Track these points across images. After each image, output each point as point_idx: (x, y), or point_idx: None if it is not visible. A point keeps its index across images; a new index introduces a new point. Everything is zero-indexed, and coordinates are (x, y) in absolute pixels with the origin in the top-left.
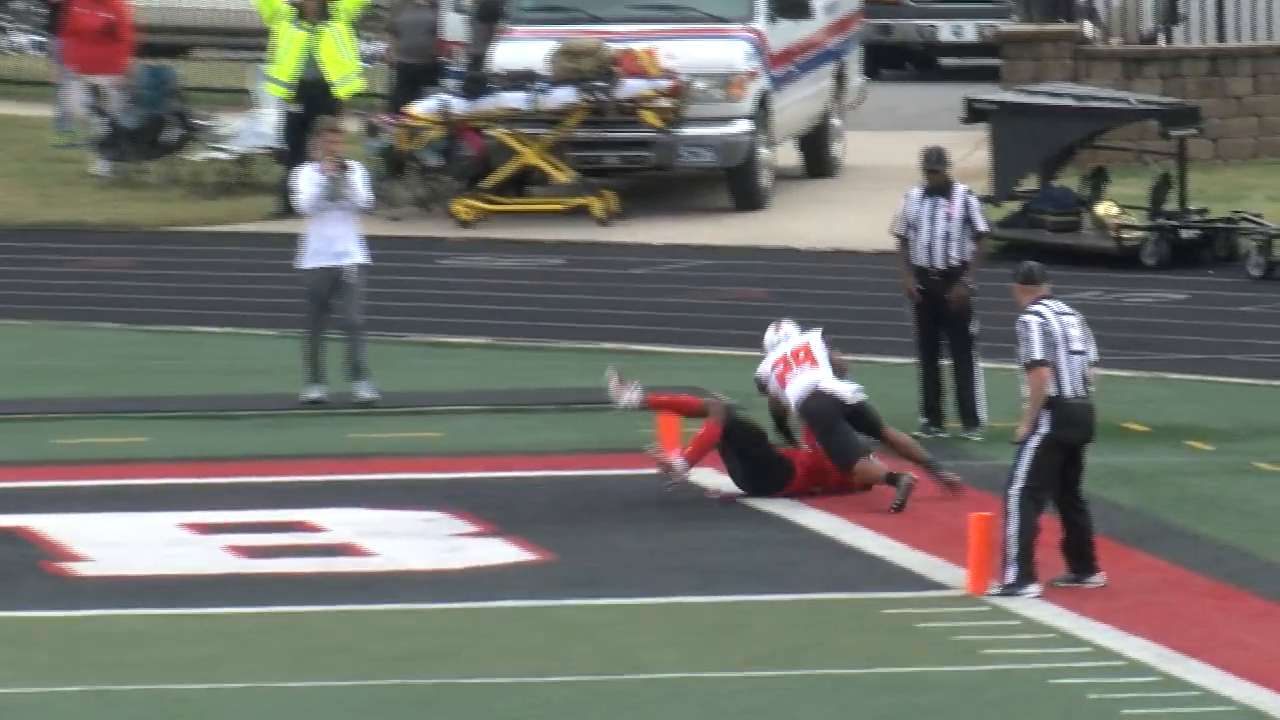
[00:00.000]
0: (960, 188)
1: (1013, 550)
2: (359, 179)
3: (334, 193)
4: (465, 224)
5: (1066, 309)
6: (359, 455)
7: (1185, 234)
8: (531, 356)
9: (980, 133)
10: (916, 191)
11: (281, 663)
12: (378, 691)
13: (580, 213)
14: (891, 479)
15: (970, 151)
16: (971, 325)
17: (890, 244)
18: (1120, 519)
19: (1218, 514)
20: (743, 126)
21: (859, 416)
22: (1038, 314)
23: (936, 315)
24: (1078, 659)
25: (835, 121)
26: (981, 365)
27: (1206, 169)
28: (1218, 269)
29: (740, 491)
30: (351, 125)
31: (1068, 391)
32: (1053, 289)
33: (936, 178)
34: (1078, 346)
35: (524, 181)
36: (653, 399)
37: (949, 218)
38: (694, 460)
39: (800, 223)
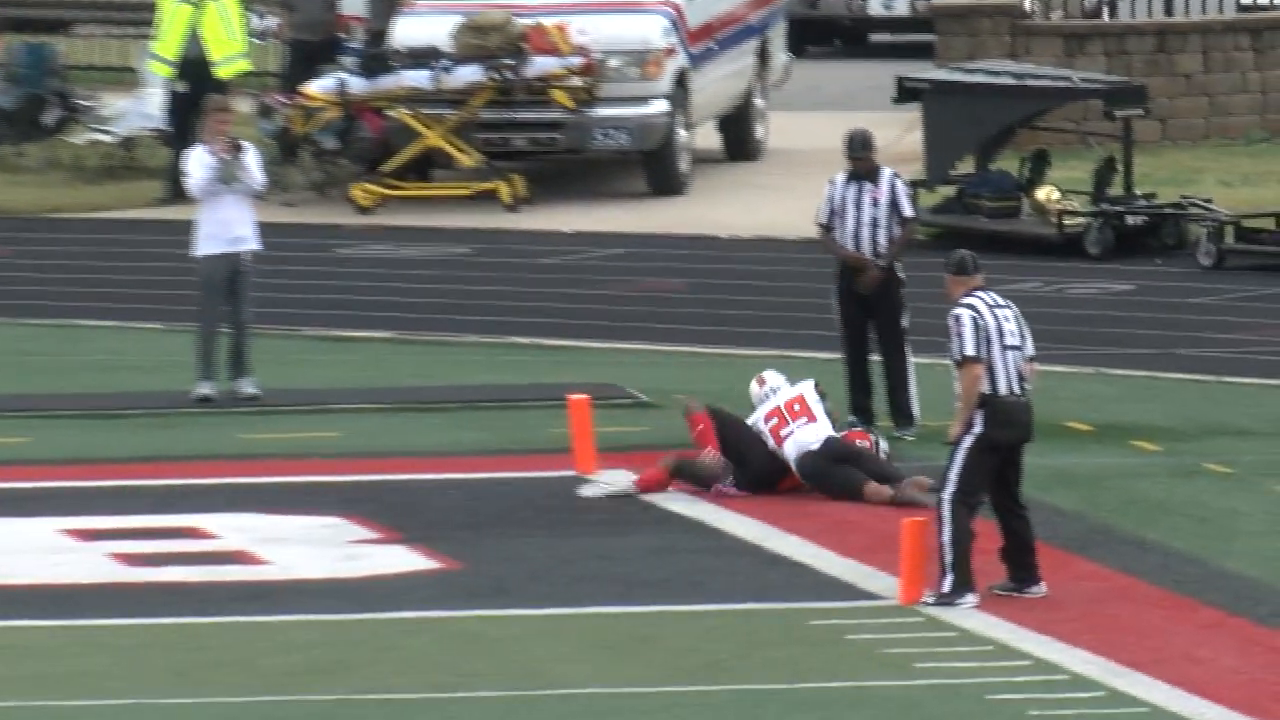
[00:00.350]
0: (887, 172)
1: (948, 558)
2: (253, 160)
3: (227, 175)
4: (364, 210)
5: (1002, 301)
6: (252, 456)
7: (1131, 220)
8: (435, 351)
9: (913, 113)
10: (841, 177)
11: (169, 678)
12: (271, 709)
13: (487, 198)
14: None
15: (902, 134)
16: (902, 318)
17: (814, 232)
18: (1062, 524)
19: (1166, 518)
20: (659, 107)
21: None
22: (971, 307)
23: (865, 308)
24: (1018, 673)
25: (758, 102)
26: (913, 360)
27: (1154, 151)
28: (1166, 258)
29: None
30: (243, 106)
31: (1002, 389)
32: (988, 279)
33: (862, 163)
34: (1013, 341)
35: (427, 165)
36: (641, 485)
37: (876, 204)
38: (643, 489)
39: (721, 209)
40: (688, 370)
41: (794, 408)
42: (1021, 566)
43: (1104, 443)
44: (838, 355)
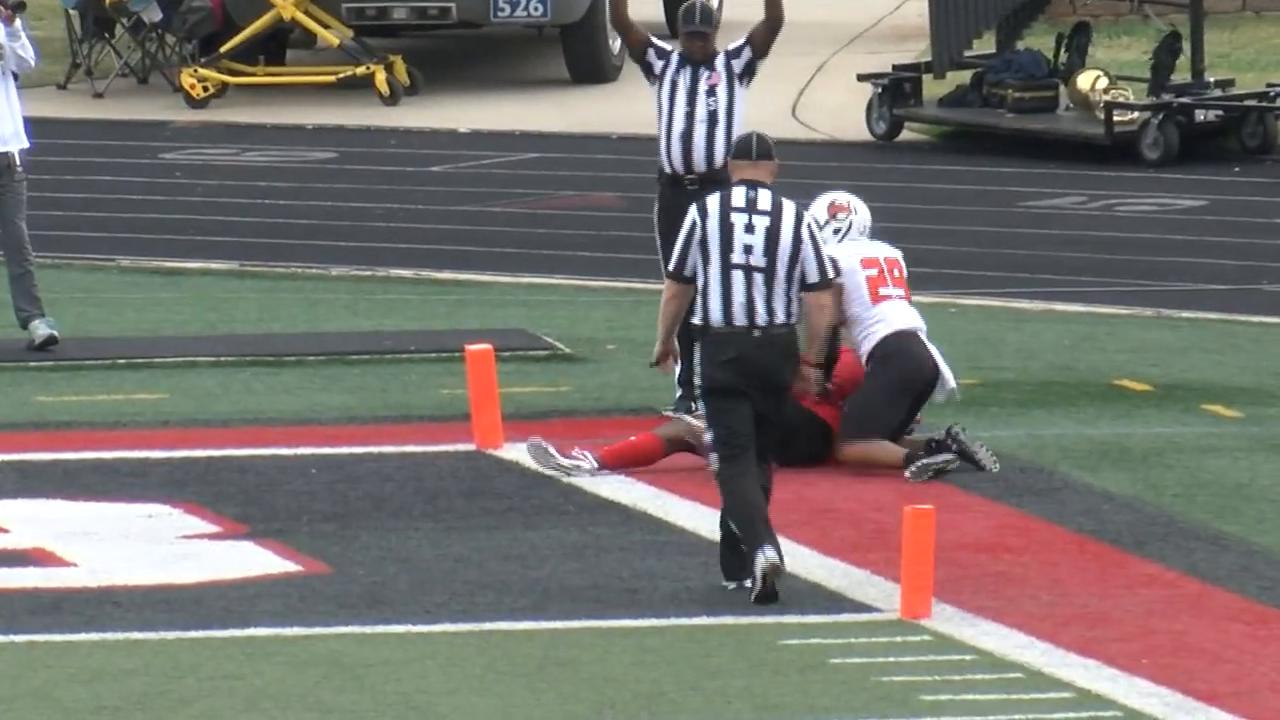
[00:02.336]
0: (722, 54)
1: (733, 529)
2: (20, 31)
3: None
4: (196, 103)
5: (766, 205)
6: (50, 426)
7: (1200, 116)
8: (289, 288)
9: None
10: (673, 63)
11: None
12: None
13: (358, 87)
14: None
15: (901, 2)
16: None
17: (792, 129)
18: (1113, 513)
19: (1248, 506)
20: None
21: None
22: (701, 209)
23: None
24: (1055, 708)
25: None
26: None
27: (1231, 25)
28: (1245, 164)
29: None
30: None
31: (717, 318)
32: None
33: (702, 47)
34: (744, 259)
35: (279, 45)
36: (608, 457)
37: (713, 92)
38: (610, 465)
39: None
40: (622, 312)
41: (894, 272)
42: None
43: (1167, 407)
44: None
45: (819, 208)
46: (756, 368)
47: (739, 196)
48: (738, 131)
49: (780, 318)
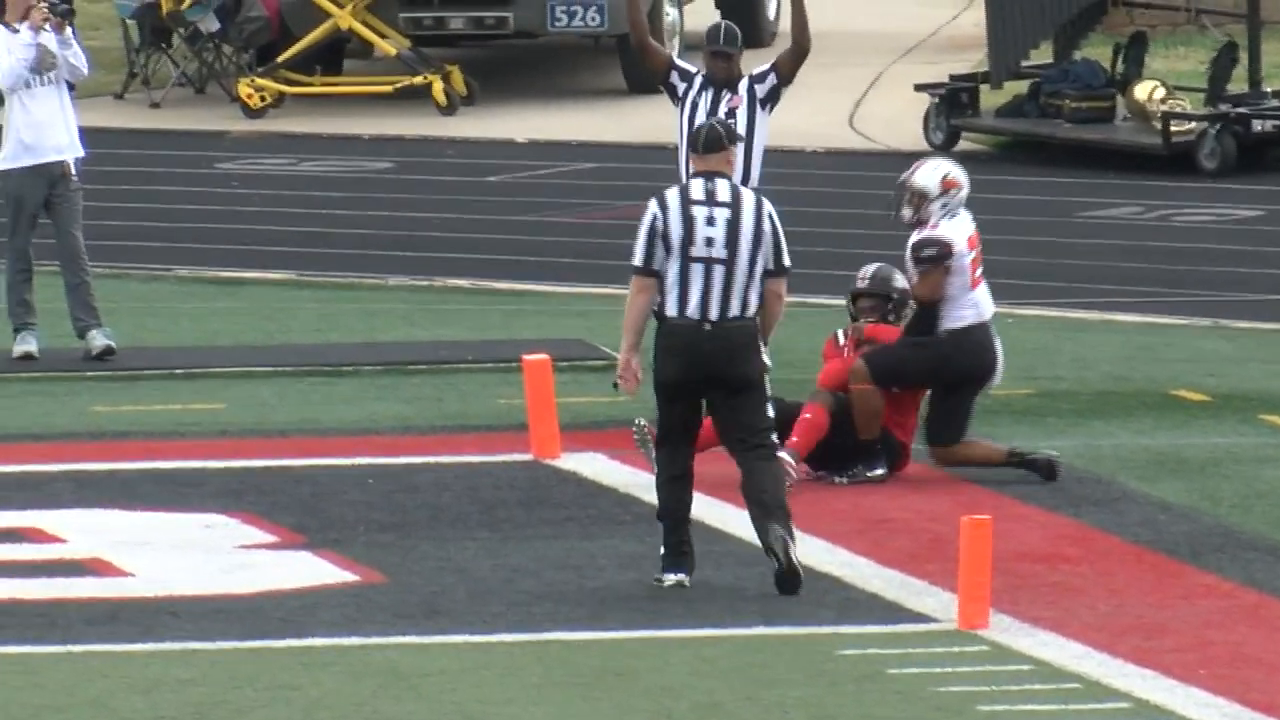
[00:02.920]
0: (746, 78)
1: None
2: (72, 39)
3: (42, 62)
4: (254, 113)
5: (725, 197)
6: (107, 436)
7: (1258, 126)
8: (347, 297)
9: None
10: (696, 84)
11: None
12: None
13: (415, 97)
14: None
15: (958, 12)
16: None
17: (849, 139)
18: (1169, 524)
19: None
20: None
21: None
22: (660, 202)
23: None
24: (1111, 718)
25: None
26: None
27: None
28: None
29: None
30: None
31: (672, 309)
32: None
33: (726, 68)
34: (705, 252)
35: (337, 55)
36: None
37: (733, 114)
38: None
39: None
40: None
41: (980, 249)
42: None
43: (1224, 417)
44: None
45: (930, 179)
46: (705, 361)
47: (698, 189)
48: (758, 157)
49: (735, 311)
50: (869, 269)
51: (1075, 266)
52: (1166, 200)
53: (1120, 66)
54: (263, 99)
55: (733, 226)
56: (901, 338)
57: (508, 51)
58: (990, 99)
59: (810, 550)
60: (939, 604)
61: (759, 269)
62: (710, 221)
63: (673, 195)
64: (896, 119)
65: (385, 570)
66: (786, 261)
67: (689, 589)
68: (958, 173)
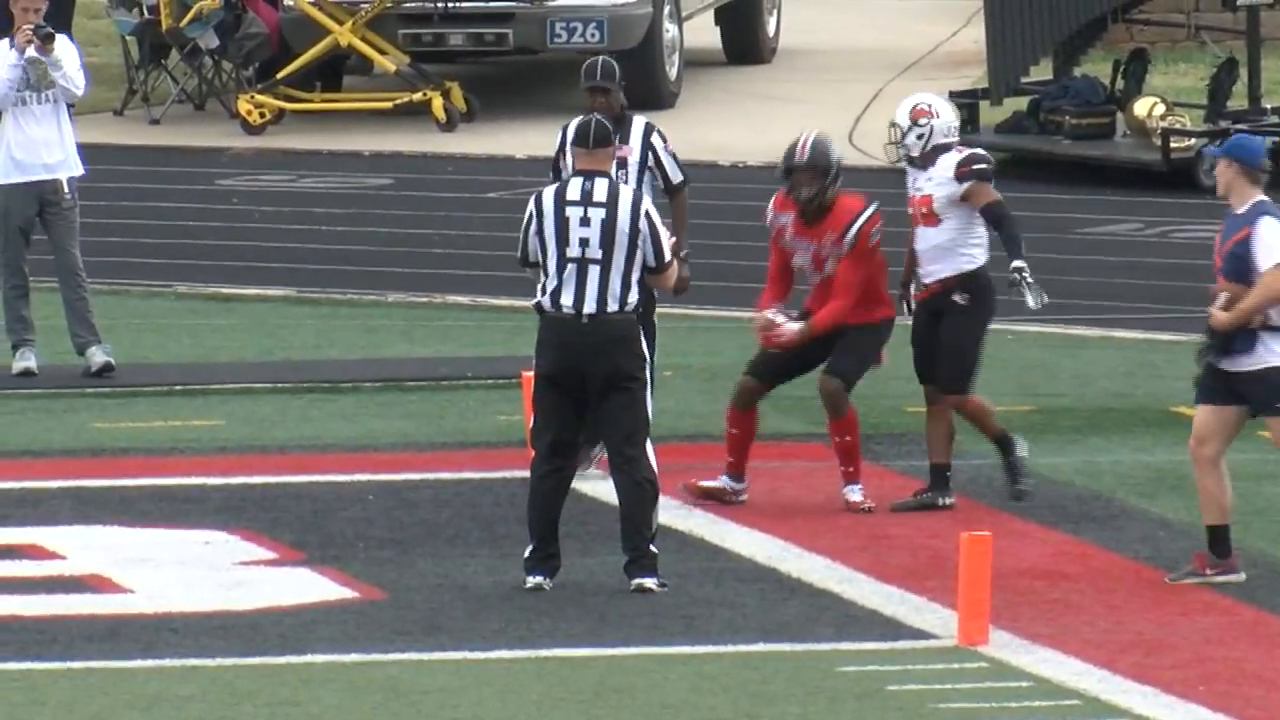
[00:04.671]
0: (640, 122)
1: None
2: (69, 54)
3: (36, 77)
4: (253, 129)
5: (601, 196)
6: (106, 452)
7: None
8: (345, 314)
9: (973, 2)
10: (574, 126)
11: None
12: None
13: (415, 113)
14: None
15: (958, 29)
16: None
17: (850, 156)
18: (1169, 540)
19: None
20: None
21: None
22: (537, 199)
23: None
24: None
25: None
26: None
27: None
28: None
29: None
30: None
31: (547, 300)
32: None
33: (605, 104)
34: (580, 252)
35: (336, 71)
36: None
37: (624, 166)
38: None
39: (721, 128)
40: (677, 338)
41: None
42: (622, 544)
43: None
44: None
45: (901, 112)
46: (581, 354)
47: (575, 189)
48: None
49: (613, 306)
50: (803, 139)
51: (1075, 283)
52: (1166, 217)
53: (1120, 83)
54: (263, 115)
55: (608, 227)
56: (952, 330)
57: (507, 68)
58: (990, 115)
59: (810, 566)
60: (939, 620)
61: (635, 267)
62: (585, 222)
63: (549, 196)
64: None
65: (385, 587)
66: (667, 257)
67: (689, 604)
68: (927, 102)
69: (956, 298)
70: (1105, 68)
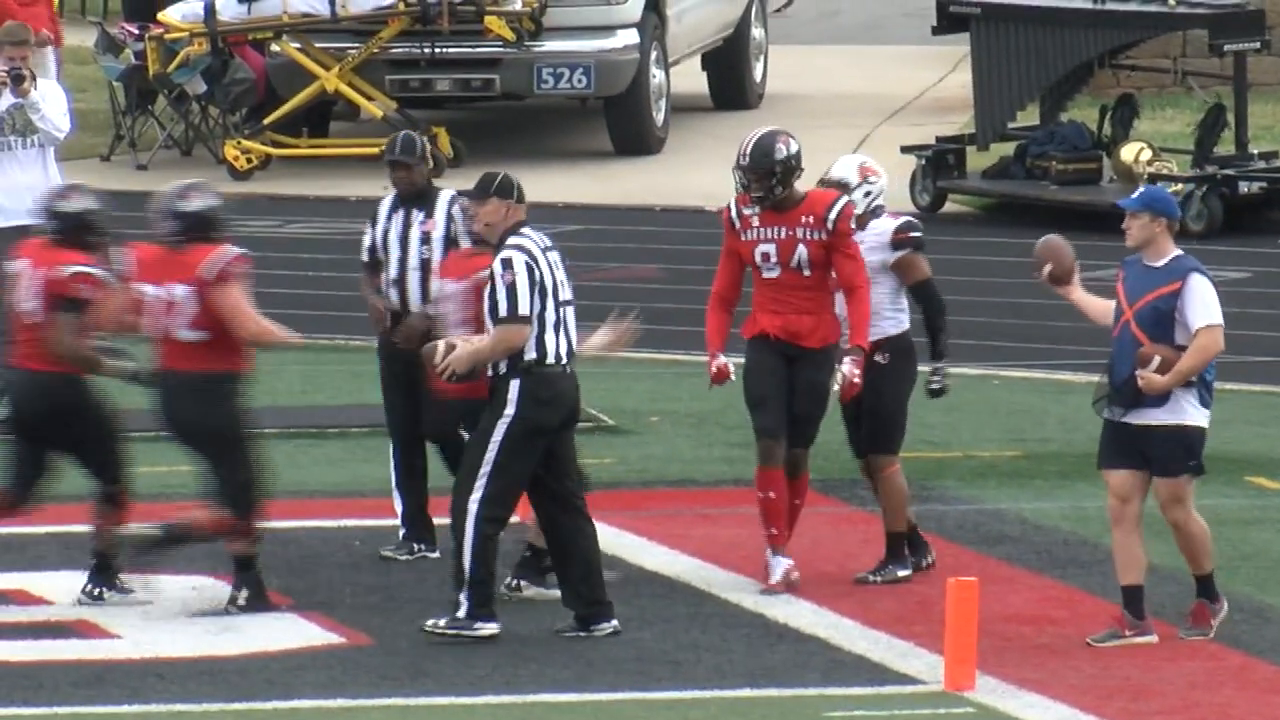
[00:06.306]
0: (445, 195)
1: (468, 573)
2: (53, 97)
3: (21, 122)
4: (240, 175)
5: (550, 242)
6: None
7: (1245, 188)
8: (332, 359)
9: (959, 47)
10: (388, 201)
11: None
12: None
13: None
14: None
15: (944, 74)
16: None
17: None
18: (1154, 586)
19: None
20: (626, 39)
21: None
22: (523, 249)
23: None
24: None
25: (756, 33)
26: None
27: (1275, 96)
28: None
29: None
30: (80, 38)
31: (550, 356)
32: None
33: (406, 178)
34: (568, 295)
35: (323, 117)
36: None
37: (427, 240)
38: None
39: (707, 173)
40: (665, 384)
41: None
42: (578, 591)
43: (1210, 479)
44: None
45: (847, 169)
46: (574, 403)
47: (540, 236)
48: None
49: (576, 347)
50: (748, 140)
51: (1061, 328)
52: None
53: (1107, 128)
54: (249, 161)
55: (565, 269)
56: (874, 392)
57: (495, 113)
58: (977, 161)
59: (797, 611)
60: (925, 665)
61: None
62: (557, 265)
63: (533, 244)
64: None
65: (371, 632)
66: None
67: (676, 649)
68: (872, 162)
69: (878, 358)
70: (1092, 113)
